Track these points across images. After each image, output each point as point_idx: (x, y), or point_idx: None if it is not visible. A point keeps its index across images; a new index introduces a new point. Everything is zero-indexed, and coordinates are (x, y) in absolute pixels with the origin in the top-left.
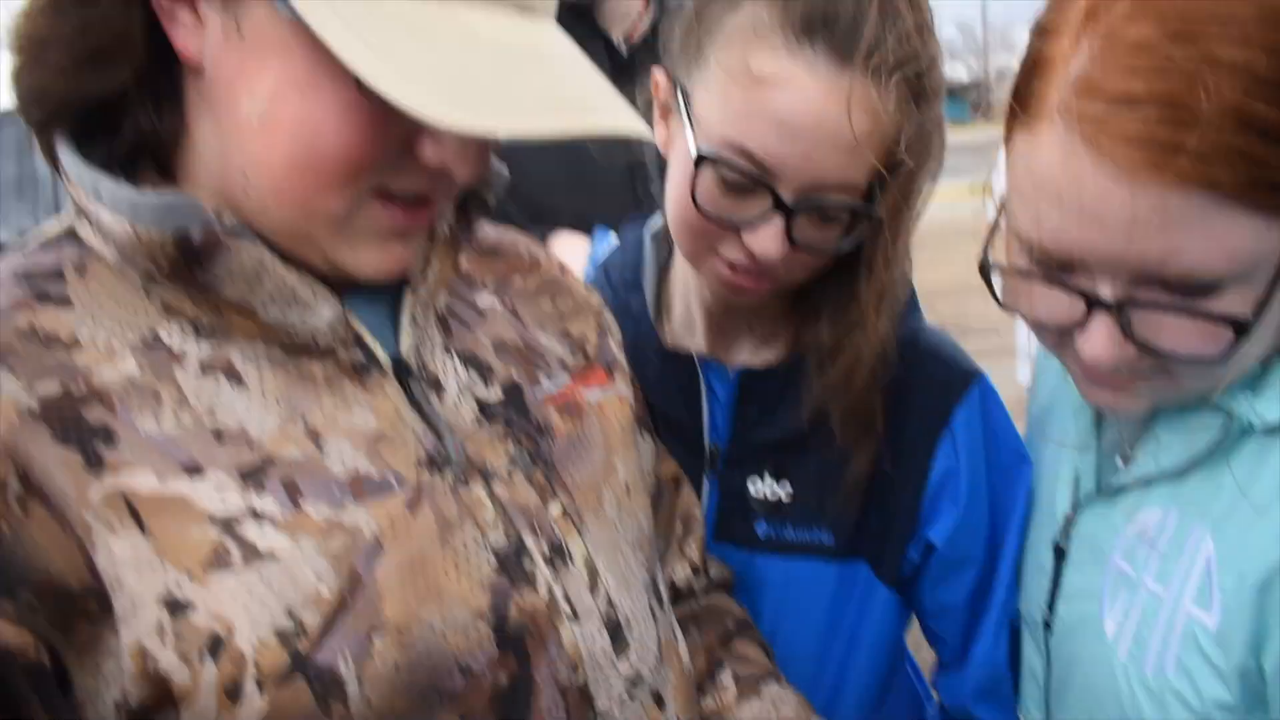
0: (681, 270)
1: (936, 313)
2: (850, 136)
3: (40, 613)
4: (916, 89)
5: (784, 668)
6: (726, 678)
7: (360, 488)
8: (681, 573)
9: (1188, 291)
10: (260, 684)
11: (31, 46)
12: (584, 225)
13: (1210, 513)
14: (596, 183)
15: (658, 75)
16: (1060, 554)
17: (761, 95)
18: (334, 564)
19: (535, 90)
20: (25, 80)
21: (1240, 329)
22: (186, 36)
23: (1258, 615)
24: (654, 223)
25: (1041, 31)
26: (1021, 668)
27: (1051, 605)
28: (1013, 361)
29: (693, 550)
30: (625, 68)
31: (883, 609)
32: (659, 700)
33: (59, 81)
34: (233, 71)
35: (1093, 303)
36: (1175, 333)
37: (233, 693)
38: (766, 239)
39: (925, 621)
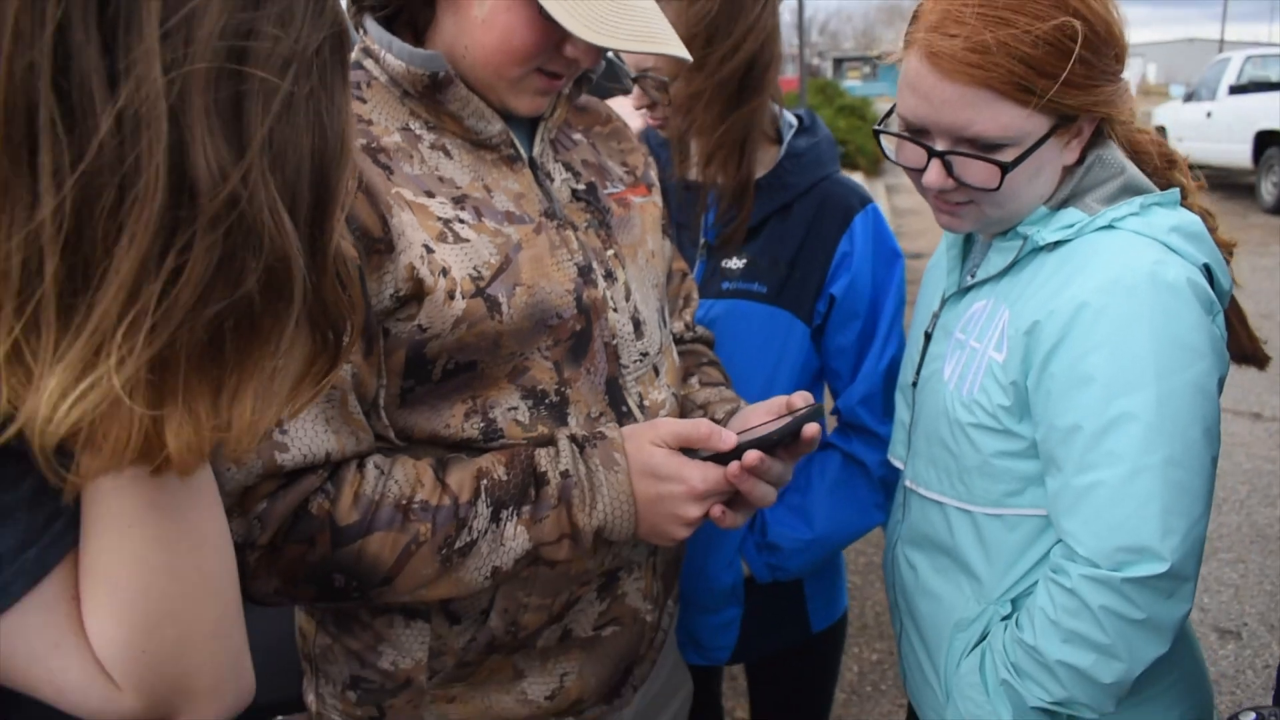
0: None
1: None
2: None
3: (360, 244)
4: None
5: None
6: (694, 380)
7: (511, 217)
8: (678, 326)
9: (982, 148)
10: (463, 295)
11: None
12: None
13: (1009, 297)
14: None
15: None
16: (928, 338)
17: None
18: (498, 250)
19: (632, 27)
20: None
21: (1005, 170)
22: None
23: (1024, 349)
24: None
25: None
26: (894, 424)
27: (918, 372)
28: None
29: (687, 315)
30: None
31: (799, 342)
32: (657, 371)
33: None
34: None
35: (930, 152)
36: (973, 172)
37: (450, 294)
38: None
39: (828, 363)
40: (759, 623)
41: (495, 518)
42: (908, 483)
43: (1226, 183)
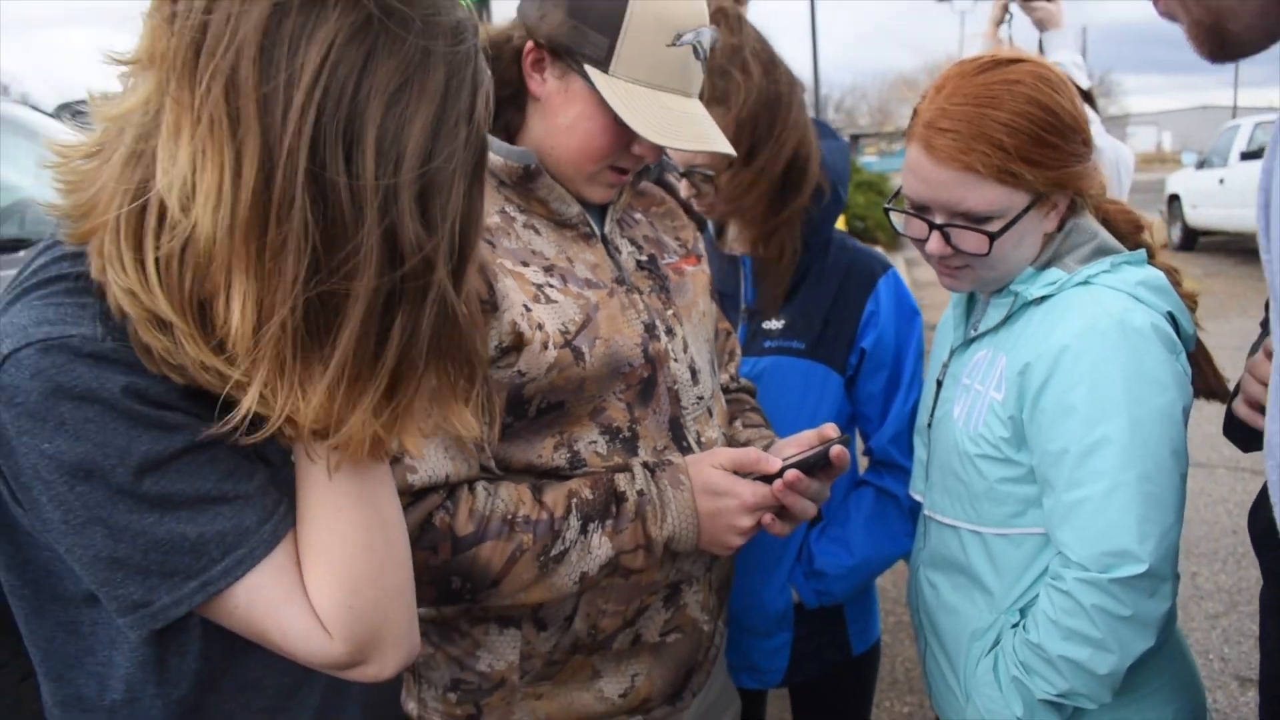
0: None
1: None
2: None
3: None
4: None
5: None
6: (738, 423)
7: (589, 283)
8: (724, 378)
9: (973, 220)
10: (554, 345)
11: None
12: None
13: (1005, 345)
14: None
15: None
16: (939, 385)
17: None
18: (581, 310)
19: (688, 130)
20: None
21: (993, 238)
22: (537, 86)
23: (1019, 388)
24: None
25: (921, 95)
26: (914, 462)
27: (932, 414)
28: None
29: (731, 368)
30: None
31: (835, 391)
32: (710, 413)
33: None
34: (558, 103)
35: (930, 225)
36: (967, 240)
37: (544, 345)
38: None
39: (859, 409)
40: (806, 646)
41: (584, 530)
42: (927, 512)
43: (1241, 247)
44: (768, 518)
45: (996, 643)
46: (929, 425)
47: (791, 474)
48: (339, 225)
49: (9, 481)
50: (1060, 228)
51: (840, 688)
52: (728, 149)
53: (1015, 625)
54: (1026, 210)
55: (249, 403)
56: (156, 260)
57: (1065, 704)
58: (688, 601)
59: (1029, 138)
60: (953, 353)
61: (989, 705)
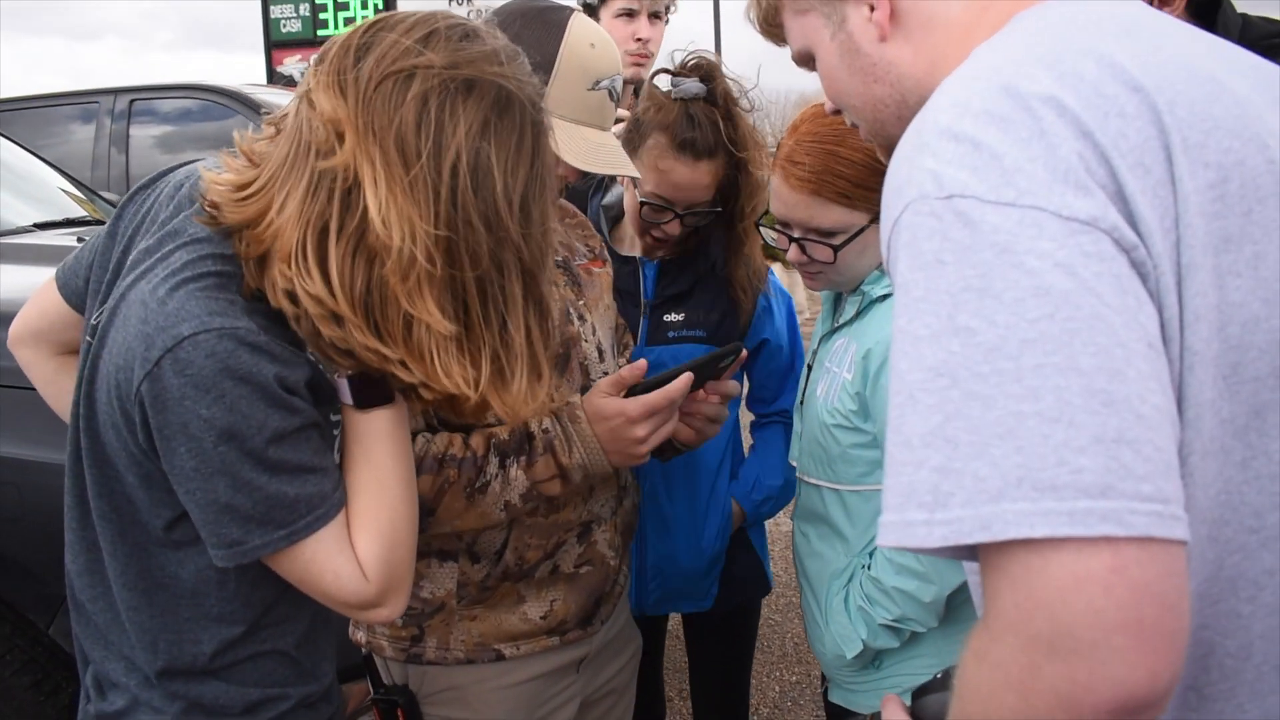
0: (629, 225)
1: None
2: (703, 186)
3: None
4: (734, 166)
5: None
6: None
7: None
8: (621, 361)
9: (822, 234)
10: None
11: None
12: None
13: (858, 334)
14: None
15: None
16: (809, 369)
17: (663, 175)
18: None
19: (602, 158)
20: None
21: (836, 250)
22: None
23: (863, 369)
24: (601, 201)
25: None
26: (792, 435)
27: (804, 394)
28: None
29: (626, 354)
30: None
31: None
32: None
33: None
34: None
35: (790, 238)
36: (818, 251)
37: None
38: (671, 229)
39: (763, 382)
40: (732, 579)
41: (502, 464)
42: (799, 475)
43: None
44: (667, 428)
45: (851, 580)
46: (801, 403)
47: (685, 378)
48: (482, 251)
49: (151, 431)
50: None
51: (739, 621)
52: (634, 173)
53: (866, 566)
54: (866, 227)
55: (440, 381)
56: (338, 271)
57: (901, 628)
58: (597, 539)
59: (866, 169)
60: (821, 341)
61: (842, 631)
